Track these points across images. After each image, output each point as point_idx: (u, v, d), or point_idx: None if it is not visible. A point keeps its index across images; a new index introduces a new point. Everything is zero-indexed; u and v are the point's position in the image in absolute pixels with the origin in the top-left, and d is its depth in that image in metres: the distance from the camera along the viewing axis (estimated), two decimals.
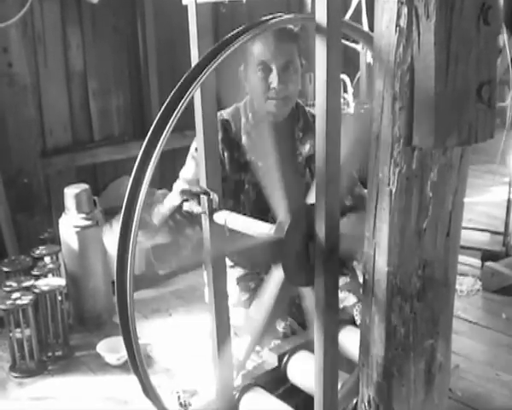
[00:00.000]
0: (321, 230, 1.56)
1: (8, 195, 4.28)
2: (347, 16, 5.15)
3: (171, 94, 1.46)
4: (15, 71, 4.25)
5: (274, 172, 1.70)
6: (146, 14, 5.11)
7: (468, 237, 4.80)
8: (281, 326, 2.39)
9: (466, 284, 4.22)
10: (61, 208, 3.93)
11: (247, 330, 2.44)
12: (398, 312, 1.46)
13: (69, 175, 4.85)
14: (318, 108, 1.48)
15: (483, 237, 4.94)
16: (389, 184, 1.38)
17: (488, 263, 4.28)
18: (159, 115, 1.46)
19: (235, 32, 1.53)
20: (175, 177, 2.45)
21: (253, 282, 2.60)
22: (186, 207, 2.00)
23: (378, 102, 1.38)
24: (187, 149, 2.41)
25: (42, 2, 4.60)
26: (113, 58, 5.14)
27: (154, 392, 1.58)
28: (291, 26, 2.34)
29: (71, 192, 3.79)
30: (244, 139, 2.47)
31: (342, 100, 5.44)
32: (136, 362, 1.52)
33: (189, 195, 2.24)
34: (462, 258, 4.42)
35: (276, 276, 1.71)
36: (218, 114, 2.44)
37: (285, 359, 2.21)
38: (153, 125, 1.45)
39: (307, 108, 2.60)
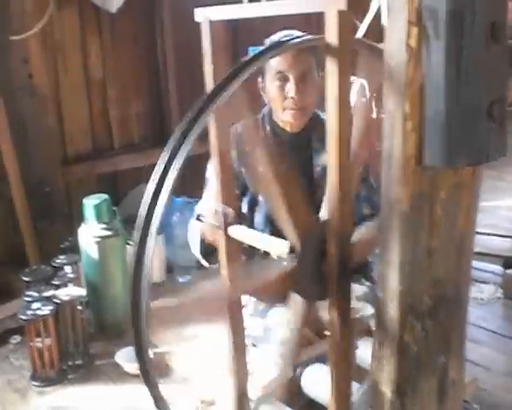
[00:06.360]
0: (334, 245, 1.57)
1: (29, 203, 4.32)
2: (367, 21, 5.09)
3: (188, 119, 1.45)
4: (36, 82, 4.30)
5: (274, 192, 1.67)
6: (164, 22, 5.16)
7: (489, 243, 4.75)
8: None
9: (487, 291, 4.13)
10: (81, 217, 3.95)
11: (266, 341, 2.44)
12: (409, 330, 1.46)
13: (90, 183, 4.90)
14: (329, 128, 1.49)
15: (505, 244, 4.85)
16: (400, 203, 1.38)
17: (510, 270, 4.21)
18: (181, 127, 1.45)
19: (252, 55, 1.54)
20: (195, 184, 2.45)
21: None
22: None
23: (389, 121, 1.38)
24: (207, 154, 2.40)
25: (61, 13, 4.65)
26: (133, 66, 5.18)
27: (164, 405, 1.59)
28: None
29: (90, 202, 3.82)
30: None
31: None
32: (149, 375, 1.52)
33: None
34: (482, 265, 4.37)
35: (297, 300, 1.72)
36: (233, 128, 2.44)
37: (300, 370, 2.21)
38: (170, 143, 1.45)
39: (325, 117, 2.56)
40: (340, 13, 1.40)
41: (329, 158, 1.51)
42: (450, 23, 1.23)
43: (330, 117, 1.48)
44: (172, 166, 1.41)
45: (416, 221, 1.38)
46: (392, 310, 1.46)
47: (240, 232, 1.83)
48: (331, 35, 1.43)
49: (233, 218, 1.86)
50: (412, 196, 1.36)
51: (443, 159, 1.30)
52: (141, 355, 1.51)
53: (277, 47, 1.57)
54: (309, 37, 1.65)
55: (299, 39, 1.61)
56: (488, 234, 4.80)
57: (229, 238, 1.87)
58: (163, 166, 1.42)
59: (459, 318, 1.53)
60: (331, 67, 1.45)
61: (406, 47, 1.30)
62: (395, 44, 1.33)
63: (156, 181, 1.42)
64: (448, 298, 1.46)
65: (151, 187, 1.42)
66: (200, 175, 2.45)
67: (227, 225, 1.86)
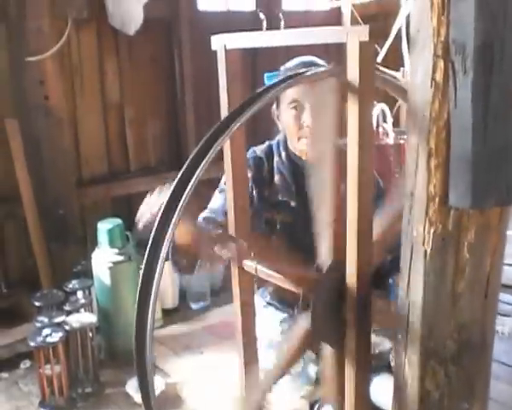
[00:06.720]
0: (352, 285, 1.52)
1: (43, 226, 4.29)
2: (387, 45, 5.06)
3: (199, 146, 1.41)
4: (52, 103, 4.26)
5: (325, 209, 1.65)
6: (182, 44, 5.14)
7: (510, 273, 4.63)
8: (313, 371, 2.33)
9: (508, 325, 3.98)
10: (96, 240, 3.92)
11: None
12: (432, 375, 1.40)
13: (104, 206, 4.87)
14: (350, 164, 1.45)
15: None
16: (424, 244, 1.32)
17: None
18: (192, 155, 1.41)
19: (268, 85, 1.48)
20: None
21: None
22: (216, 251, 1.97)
23: (412, 157, 1.33)
24: (218, 179, 2.36)
25: (79, 34, 4.65)
26: (150, 88, 5.16)
27: None
28: (325, 63, 2.29)
29: (104, 227, 3.79)
30: (277, 178, 2.42)
31: (381, 130, 5.34)
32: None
33: (211, 223, 2.20)
34: (504, 297, 4.25)
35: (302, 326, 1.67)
36: (251, 150, 2.40)
37: (316, 407, 2.15)
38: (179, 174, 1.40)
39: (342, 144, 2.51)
40: (362, 44, 1.35)
41: (348, 194, 1.47)
42: (479, 58, 1.18)
43: (351, 152, 1.43)
44: (182, 198, 1.37)
45: (441, 264, 1.32)
46: (414, 355, 1.41)
47: (255, 266, 1.79)
48: (352, 67, 1.38)
49: (247, 250, 1.81)
50: (437, 238, 1.30)
51: (469, 199, 1.24)
52: (144, 387, 1.45)
53: (289, 80, 1.51)
54: (322, 69, 1.60)
55: (312, 72, 1.56)
56: (510, 264, 4.69)
57: (242, 271, 1.82)
58: (173, 195, 1.38)
59: (484, 363, 1.46)
60: (352, 100, 1.40)
61: (431, 82, 1.24)
62: (420, 78, 1.28)
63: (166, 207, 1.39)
64: (473, 343, 1.40)
65: (161, 212, 1.39)
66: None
67: (241, 257, 1.81)
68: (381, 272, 2.33)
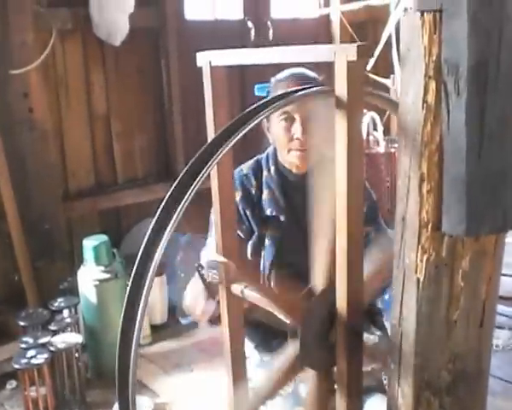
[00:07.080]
0: (343, 310, 1.48)
1: (28, 241, 4.23)
2: (376, 53, 5.05)
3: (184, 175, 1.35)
4: (36, 116, 4.21)
5: (325, 233, 1.61)
6: (170, 54, 5.08)
7: (507, 285, 4.56)
8: (304, 392, 2.27)
9: (502, 338, 3.88)
10: (83, 255, 3.84)
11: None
12: (426, 407, 1.36)
13: (92, 219, 4.82)
14: (339, 185, 1.41)
15: None
16: (416, 272, 1.28)
17: None
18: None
19: (256, 105, 1.42)
20: (201, 220, 2.39)
21: (276, 341, 2.48)
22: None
23: (404, 181, 1.28)
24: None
25: (64, 45, 4.58)
26: (137, 99, 5.10)
27: None
28: (315, 75, 2.25)
29: (89, 244, 3.73)
30: (265, 193, 2.37)
31: (372, 138, 5.32)
32: None
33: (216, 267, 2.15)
34: (498, 308, 4.18)
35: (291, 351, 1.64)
36: (238, 169, 2.36)
37: None
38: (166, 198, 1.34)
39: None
40: (350, 63, 1.30)
41: (338, 216, 1.42)
42: (473, 78, 1.13)
43: (340, 172, 1.38)
44: (167, 229, 1.31)
45: (434, 292, 1.28)
46: (407, 386, 1.37)
47: (243, 290, 1.73)
48: (340, 87, 1.33)
49: (235, 272, 1.76)
50: (430, 265, 1.26)
51: (463, 226, 1.19)
52: None
53: (281, 99, 1.45)
54: (314, 89, 1.55)
55: (304, 92, 1.51)
56: (505, 275, 4.62)
57: (231, 294, 1.76)
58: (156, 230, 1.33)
59: (480, 393, 1.42)
60: (340, 119, 1.35)
61: (423, 103, 1.19)
62: (411, 100, 1.24)
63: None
64: (468, 373, 1.36)
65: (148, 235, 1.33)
66: (206, 211, 2.33)
67: (229, 280, 1.76)
68: (375, 309, 2.32)
